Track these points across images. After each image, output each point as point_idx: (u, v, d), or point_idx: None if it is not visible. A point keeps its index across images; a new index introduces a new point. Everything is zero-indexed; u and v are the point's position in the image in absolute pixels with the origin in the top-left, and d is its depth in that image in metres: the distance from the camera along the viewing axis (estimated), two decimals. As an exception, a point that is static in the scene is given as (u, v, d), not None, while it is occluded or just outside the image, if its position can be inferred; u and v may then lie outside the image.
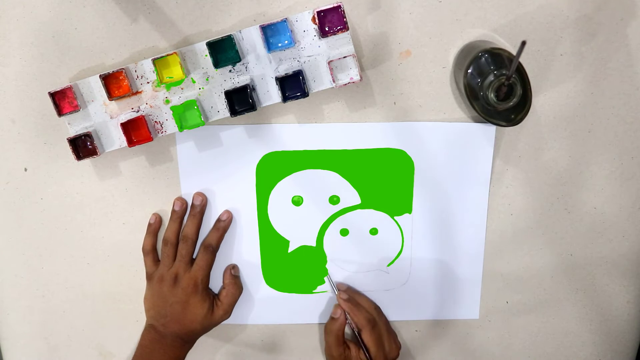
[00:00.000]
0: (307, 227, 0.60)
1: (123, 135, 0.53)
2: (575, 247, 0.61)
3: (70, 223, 0.60)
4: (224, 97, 0.52)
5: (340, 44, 0.52)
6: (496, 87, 0.50)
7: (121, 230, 0.60)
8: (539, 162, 0.58)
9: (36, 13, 0.53)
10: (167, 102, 0.53)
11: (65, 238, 0.60)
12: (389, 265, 0.62)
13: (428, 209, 0.60)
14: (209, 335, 0.61)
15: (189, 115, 0.53)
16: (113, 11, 0.53)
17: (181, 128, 0.53)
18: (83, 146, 0.54)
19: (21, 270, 0.61)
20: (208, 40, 0.51)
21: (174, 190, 0.59)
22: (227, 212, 0.59)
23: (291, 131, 0.57)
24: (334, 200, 0.59)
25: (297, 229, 0.60)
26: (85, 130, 0.53)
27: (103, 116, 0.54)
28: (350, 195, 0.59)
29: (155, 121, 0.54)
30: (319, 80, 0.53)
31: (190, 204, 0.59)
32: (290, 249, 0.61)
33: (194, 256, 0.59)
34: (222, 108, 0.54)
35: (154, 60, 0.51)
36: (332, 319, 0.60)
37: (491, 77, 0.50)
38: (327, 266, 0.61)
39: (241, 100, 0.53)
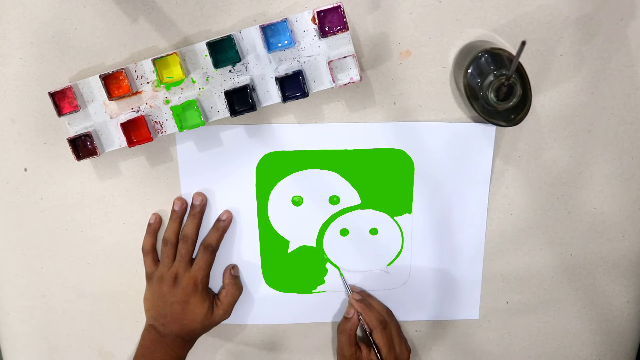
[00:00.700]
0: (307, 227, 0.60)
1: (123, 135, 0.53)
2: (575, 247, 0.61)
3: (70, 223, 0.60)
4: (224, 97, 0.52)
5: (340, 44, 0.52)
6: (496, 87, 0.50)
7: (121, 230, 0.60)
8: (539, 162, 0.58)
9: (36, 13, 0.53)
10: (167, 102, 0.53)
11: (65, 238, 0.60)
12: (389, 265, 0.62)
13: (428, 209, 0.60)
14: (209, 335, 0.61)
15: (189, 115, 0.53)
16: (113, 11, 0.53)
17: (181, 128, 0.53)
18: (83, 146, 0.54)
19: (21, 270, 0.61)
20: (208, 40, 0.51)
21: (174, 190, 0.59)
22: (227, 212, 0.59)
23: (291, 131, 0.57)
24: (334, 200, 0.59)
25: (297, 229, 0.60)
26: (85, 130, 0.53)
27: (103, 116, 0.54)
28: (350, 195, 0.59)
29: (155, 121, 0.54)
30: (319, 80, 0.53)
31: (190, 203, 0.59)
32: (290, 249, 0.61)
33: (194, 256, 0.59)
34: (222, 108, 0.54)
35: (154, 60, 0.51)
36: (345, 318, 0.60)
37: (491, 77, 0.50)
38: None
39: (241, 100, 0.53)
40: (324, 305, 0.63)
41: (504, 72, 0.49)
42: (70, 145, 0.53)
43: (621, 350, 0.66)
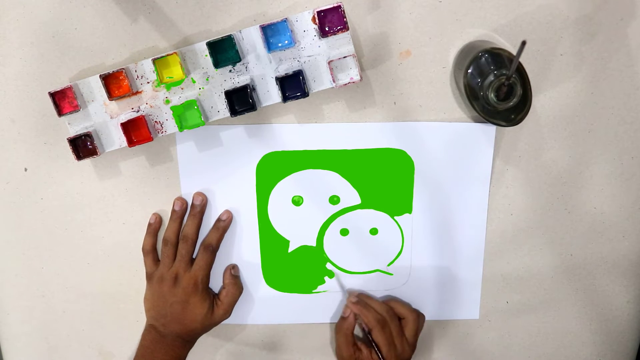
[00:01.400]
0: (307, 227, 0.60)
1: (123, 135, 0.53)
2: (575, 247, 0.61)
3: (70, 223, 0.60)
4: (224, 97, 0.52)
5: (340, 44, 0.52)
6: (496, 87, 0.50)
7: (121, 230, 0.60)
8: (539, 162, 0.58)
9: (36, 13, 0.53)
10: (167, 102, 0.53)
11: (65, 238, 0.60)
12: (389, 265, 0.62)
13: (428, 209, 0.60)
14: (209, 335, 0.61)
15: (189, 115, 0.53)
16: (113, 11, 0.53)
17: (181, 128, 0.53)
18: (83, 146, 0.54)
19: (21, 270, 0.61)
20: (208, 40, 0.51)
21: (174, 190, 0.59)
22: (227, 212, 0.59)
23: (291, 131, 0.57)
24: (334, 200, 0.59)
25: (297, 229, 0.60)
26: (85, 130, 0.53)
27: (103, 116, 0.54)
28: (350, 195, 0.59)
29: (155, 121, 0.54)
30: (319, 80, 0.53)
31: (190, 203, 0.59)
32: (290, 249, 0.61)
33: (194, 256, 0.59)
34: (222, 108, 0.54)
35: (154, 60, 0.51)
36: (341, 318, 0.60)
37: (491, 77, 0.50)
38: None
39: (241, 100, 0.53)
40: (324, 305, 0.63)
41: (504, 72, 0.49)
42: (70, 145, 0.53)
43: (621, 350, 0.66)
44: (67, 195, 0.59)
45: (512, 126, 0.53)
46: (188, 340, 0.58)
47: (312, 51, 0.52)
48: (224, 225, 0.59)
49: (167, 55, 0.51)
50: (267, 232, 0.60)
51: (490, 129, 0.57)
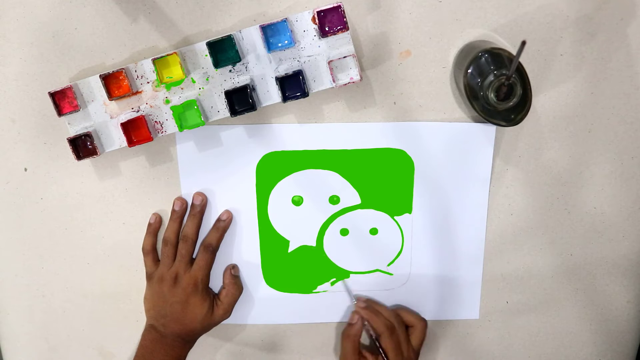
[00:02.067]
0: (307, 227, 0.60)
1: (123, 135, 0.53)
2: (575, 247, 0.61)
3: (70, 223, 0.60)
4: (224, 97, 0.52)
5: (340, 44, 0.52)
6: (496, 87, 0.50)
7: (121, 230, 0.60)
8: (539, 162, 0.58)
9: (36, 13, 0.53)
10: (167, 102, 0.53)
11: (65, 238, 0.60)
12: (389, 265, 0.62)
13: (428, 209, 0.60)
14: (209, 335, 0.61)
15: (189, 115, 0.53)
16: (113, 11, 0.53)
17: (181, 128, 0.53)
18: (83, 146, 0.54)
19: (21, 270, 0.61)
20: (208, 40, 0.51)
21: (174, 190, 0.59)
22: (227, 212, 0.59)
23: (291, 131, 0.57)
24: (334, 200, 0.59)
25: (297, 229, 0.60)
26: (85, 130, 0.53)
27: (103, 116, 0.54)
28: (350, 195, 0.59)
29: (155, 121, 0.54)
30: (319, 80, 0.53)
31: (190, 203, 0.59)
32: (290, 249, 0.61)
33: (194, 256, 0.59)
34: (222, 108, 0.54)
35: (154, 60, 0.51)
36: (349, 325, 0.60)
37: (491, 77, 0.50)
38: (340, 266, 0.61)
39: (241, 100, 0.53)
40: (324, 305, 0.63)
41: (504, 72, 0.49)
42: (70, 145, 0.53)
43: (621, 350, 0.66)
44: (67, 195, 0.59)
45: (512, 126, 0.53)
46: (188, 340, 0.58)
47: (312, 51, 0.52)
48: (224, 225, 0.59)
49: (167, 55, 0.51)
50: (267, 232, 0.60)
51: (490, 129, 0.57)
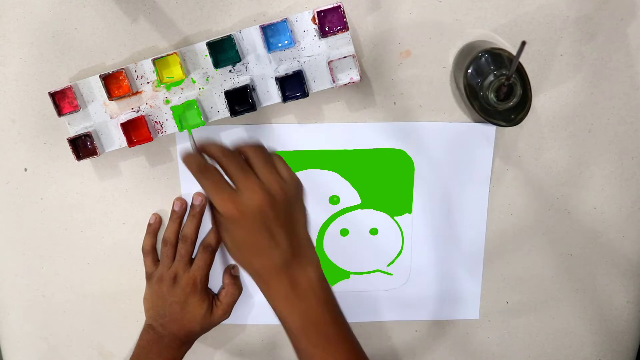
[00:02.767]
0: (307, 227, 0.60)
1: (123, 135, 0.53)
2: (575, 247, 0.61)
3: (70, 223, 0.60)
4: (224, 97, 0.52)
5: (340, 44, 0.52)
6: (496, 87, 0.50)
7: (121, 230, 0.60)
8: (539, 162, 0.58)
9: (36, 13, 0.53)
10: (167, 102, 0.53)
11: (65, 238, 0.60)
12: (389, 265, 0.62)
13: (428, 209, 0.60)
14: (209, 335, 0.61)
15: (189, 115, 0.53)
16: (113, 11, 0.53)
17: (181, 128, 0.53)
18: (83, 146, 0.54)
19: (21, 270, 0.61)
20: (208, 40, 0.51)
21: (174, 190, 0.59)
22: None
23: (291, 131, 0.57)
24: (334, 200, 0.59)
25: (297, 229, 0.60)
26: (85, 130, 0.53)
27: (103, 116, 0.54)
28: (350, 195, 0.59)
29: (155, 121, 0.54)
30: (319, 80, 0.53)
31: (190, 204, 0.59)
32: (290, 249, 0.61)
33: (194, 256, 0.59)
34: (222, 108, 0.54)
35: (154, 60, 0.51)
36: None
37: (491, 77, 0.50)
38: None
39: (241, 100, 0.53)
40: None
41: (504, 72, 0.49)
42: (70, 145, 0.53)
43: (621, 350, 0.66)
44: (67, 195, 0.59)
45: (512, 126, 0.53)
46: (185, 341, 0.58)
47: (312, 51, 0.52)
48: (224, 225, 0.59)
49: (167, 55, 0.51)
50: (267, 232, 0.60)
51: (490, 129, 0.57)
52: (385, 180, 0.59)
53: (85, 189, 0.58)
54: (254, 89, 0.53)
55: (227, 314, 0.59)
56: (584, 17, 0.54)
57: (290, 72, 0.52)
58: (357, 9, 0.53)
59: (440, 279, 0.62)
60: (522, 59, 0.52)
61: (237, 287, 0.60)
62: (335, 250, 0.61)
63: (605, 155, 0.58)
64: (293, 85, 0.52)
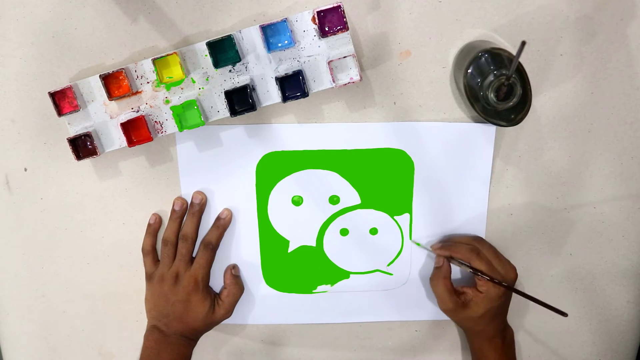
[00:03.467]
0: (307, 227, 0.60)
1: (123, 135, 0.53)
2: (575, 247, 0.61)
3: (70, 223, 0.60)
4: (224, 97, 0.52)
5: (340, 44, 0.52)
6: (496, 87, 0.50)
7: (121, 230, 0.60)
8: (539, 162, 0.58)
9: (36, 13, 0.53)
10: (167, 102, 0.53)
11: (65, 238, 0.60)
12: (389, 265, 0.62)
13: (428, 209, 0.60)
14: (209, 335, 0.61)
15: (189, 115, 0.53)
16: (113, 11, 0.53)
17: (181, 128, 0.53)
18: (83, 146, 0.54)
19: (21, 270, 0.61)
20: (208, 40, 0.51)
21: (174, 190, 0.59)
22: (227, 210, 0.59)
23: (291, 131, 0.57)
24: (334, 200, 0.59)
25: (297, 229, 0.60)
26: (85, 130, 0.53)
27: (103, 116, 0.54)
28: (350, 195, 0.59)
29: (155, 121, 0.54)
30: (319, 80, 0.53)
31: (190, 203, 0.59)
32: (290, 249, 0.61)
33: (194, 255, 0.59)
34: (222, 108, 0.54)
35: (154, 60, 0.51)
36: (436, 269, 0.59)
37: (491, 77, 0.50)
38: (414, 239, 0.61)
39: (241, 100, 0.53)
40: (324, 305, 0.63)
41: (504, 72, 0.49)
42: (70, 145, 0.53)
43: (621, 350, 0.66)
44: (67, 195, 0.59)
45: (512, 126, 0.53)
46: (192, 338, 0.58)
47: (312, 51, 0.52)
48: (223, 223, 0.59)
49: (167, 55, 0.51)
50: (267, 232, 0.60)
51: (490, 129, 0.57)
52: (385, 180, 0.59)
53: (85, 189, 0.59)
54: (254, 89, 0.53)
55: (229, 313, 0.59)
56: (584, 17, 0.54)
57: (290, 72, 0.52)
58: (357, 9, 0.53)
59: (440, 279, 0.62)
60: (522, 59, 0.52)
61: (239, 287, 0.60)
62: (335, 250, 0.61)
63: (605, 155, 0.58)
64: (293, 85, 0.52)
